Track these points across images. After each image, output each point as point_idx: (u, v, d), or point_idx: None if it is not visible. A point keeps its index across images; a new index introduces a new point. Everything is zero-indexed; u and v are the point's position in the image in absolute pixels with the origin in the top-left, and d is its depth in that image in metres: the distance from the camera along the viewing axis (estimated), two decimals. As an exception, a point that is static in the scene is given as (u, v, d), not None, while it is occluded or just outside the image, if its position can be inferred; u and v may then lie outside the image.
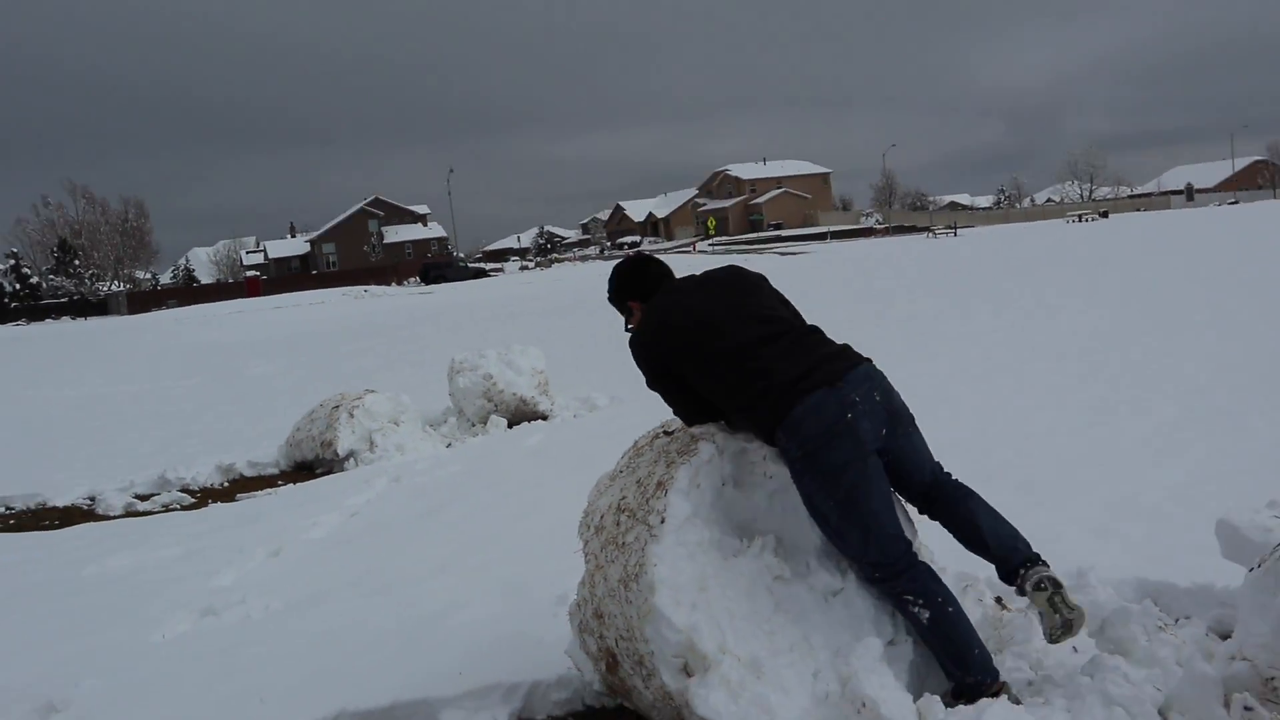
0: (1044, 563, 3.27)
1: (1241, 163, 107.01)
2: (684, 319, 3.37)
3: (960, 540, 3.41)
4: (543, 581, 4.74)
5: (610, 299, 3.72)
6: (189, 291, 74.83)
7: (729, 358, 3.24)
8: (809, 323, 3.49)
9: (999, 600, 3.77)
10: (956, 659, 3.10)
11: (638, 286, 3.61)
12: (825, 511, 3.15)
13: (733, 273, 3.60)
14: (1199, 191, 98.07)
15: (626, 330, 3.67)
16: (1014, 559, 3.29)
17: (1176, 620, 3.72)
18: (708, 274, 3.61)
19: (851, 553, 3.20)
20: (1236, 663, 2.91)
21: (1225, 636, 3.44)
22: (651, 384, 3.52)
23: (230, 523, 7.33)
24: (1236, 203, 74.64)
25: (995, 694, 2.99)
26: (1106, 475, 5.66)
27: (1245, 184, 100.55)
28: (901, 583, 3.13)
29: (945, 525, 3.43)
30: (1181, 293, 14.29)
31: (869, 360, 3.35)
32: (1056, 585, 3.17)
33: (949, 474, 3.50)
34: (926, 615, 3.10)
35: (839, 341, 3.45)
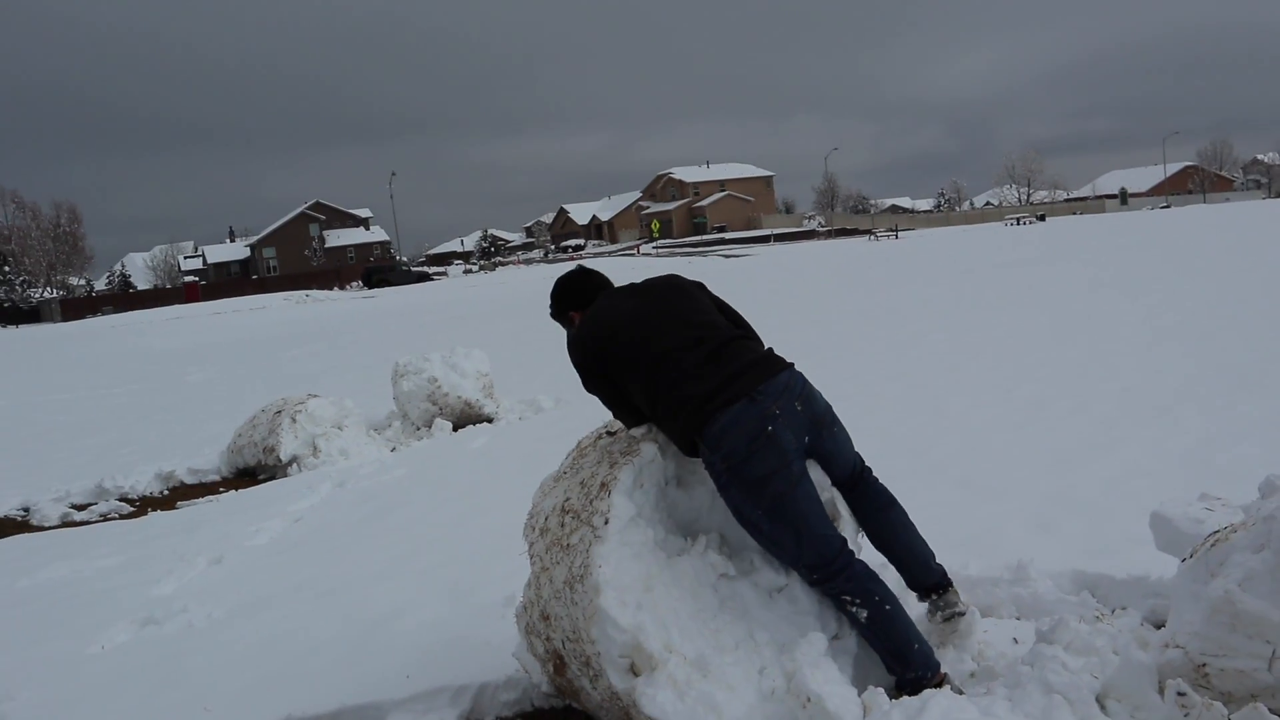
0: (954, 589, 3.50)
1: (1173, 168, 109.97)
2: (615, 323, 3.42)
3: (873, 542, 3.52)
4: (489, 584, 4.72)
5: (552, 313, 3.76)
6: (125, 298, 73.23)
7: (652, 364, 3.28)
8: (737, 329, 3.52)
9: (941, 594, 3.83)
10: (897, 655, 3.15)
11: (576, 297, 3.67)
12: (755, 520, 3.19)
13: (668, 280, 3.63)
14: (1132, 195, 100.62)
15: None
16: (929, 579, 3.48)
17: (1113, 610, 3.82)
18: (645, 281, 3.65)
19: (787, 557, 3.24)
20: (1170, 650, 3.00)
21: (1159, 626, 3.53)
22: (587, 386, 3.53)
23: (170, 531, 7.18)
24: (1169, 207, 76.64)
25: (937, 685, 3.05)
26: (1044, 470, 5.78)
27: (1177, 189, 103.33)
28: (839, 583, 3.17)
29: (861, 524, 3.52)
30: (1116, 294, 14.64)
31: (790, 366, 3.38)
32: (962, 615, 3.45)
33: (872, 474, 3.58)
34: (865, 614, 3.15)
35: (770, 344, 3.49)
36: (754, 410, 3.16)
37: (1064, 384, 8.24)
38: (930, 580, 3.47)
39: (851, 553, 3.24)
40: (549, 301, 3.75)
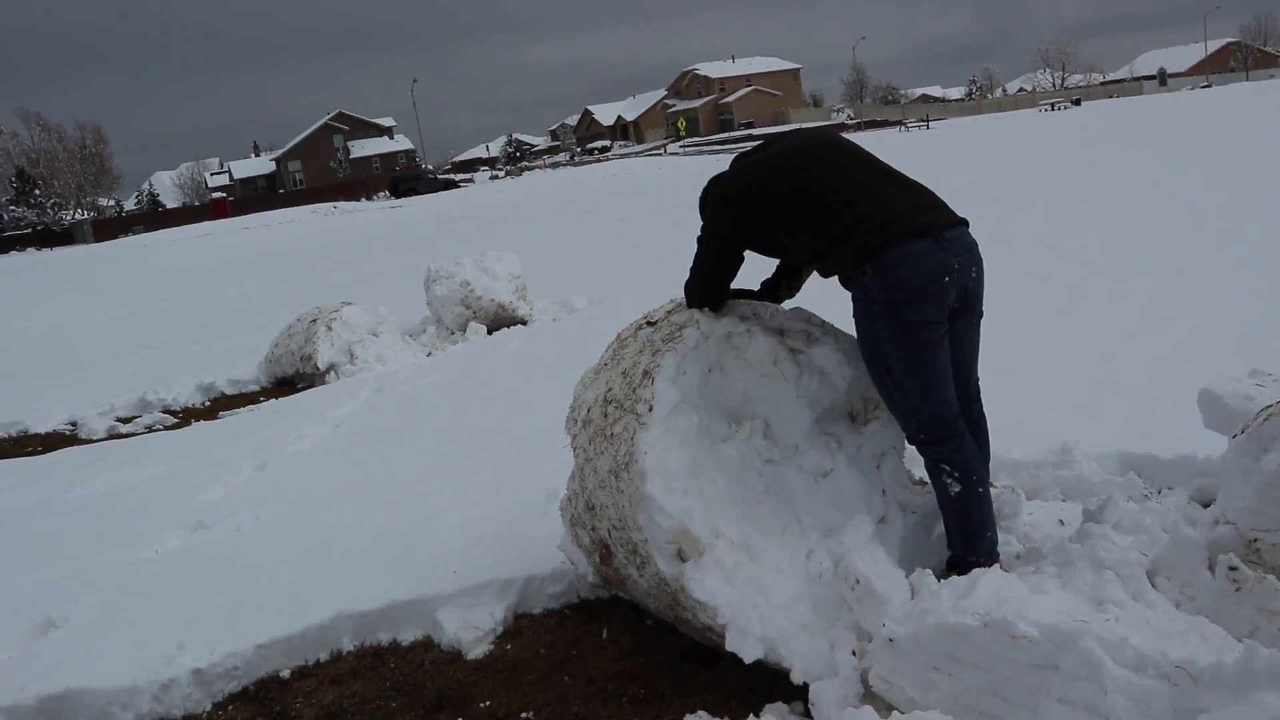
0: None
1: (1214, 45, 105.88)
2: (786, 148, 3.27)
3: None
4: (532, 480, 4.76)
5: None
6: (155, 216, 73.47)
7: (829, 182, 3.10)
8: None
9: (986, 478, 3.81)
10: (969, 537, 3.13)
11: None
12: (890, 360, 3.05)
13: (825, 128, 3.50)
14: (1172, 76, 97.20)
15: None
16: None
17: (1160, 491, 3.79)
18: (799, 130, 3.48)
19: (904, 407, 3.12)
20: (1220, 526, 2.96)
21: (1207, 504, 3.50)
22: (714, 228, 3.29)
23: (214, 440, 7.29)
24: (1209, 86, 74.13)
25: (990, 570, 3.04)
26: (1087, 356, 5.71)
27: (1218, 67, 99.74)
28: (945, 449, 3.09)
29: None
30: (1156, 178, 14.26)
31: (967, 224, 3.20)
32: None
33: (980, 396, 3.47)
34: (957, 489, 3.08)
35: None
36: (938, 254, 3.00)
37: (1105, 268, 8.09)
38: None
39: (963, 426, 3.16)
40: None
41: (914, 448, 3.24)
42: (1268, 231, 8.73)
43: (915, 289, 2.98)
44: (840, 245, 3.07)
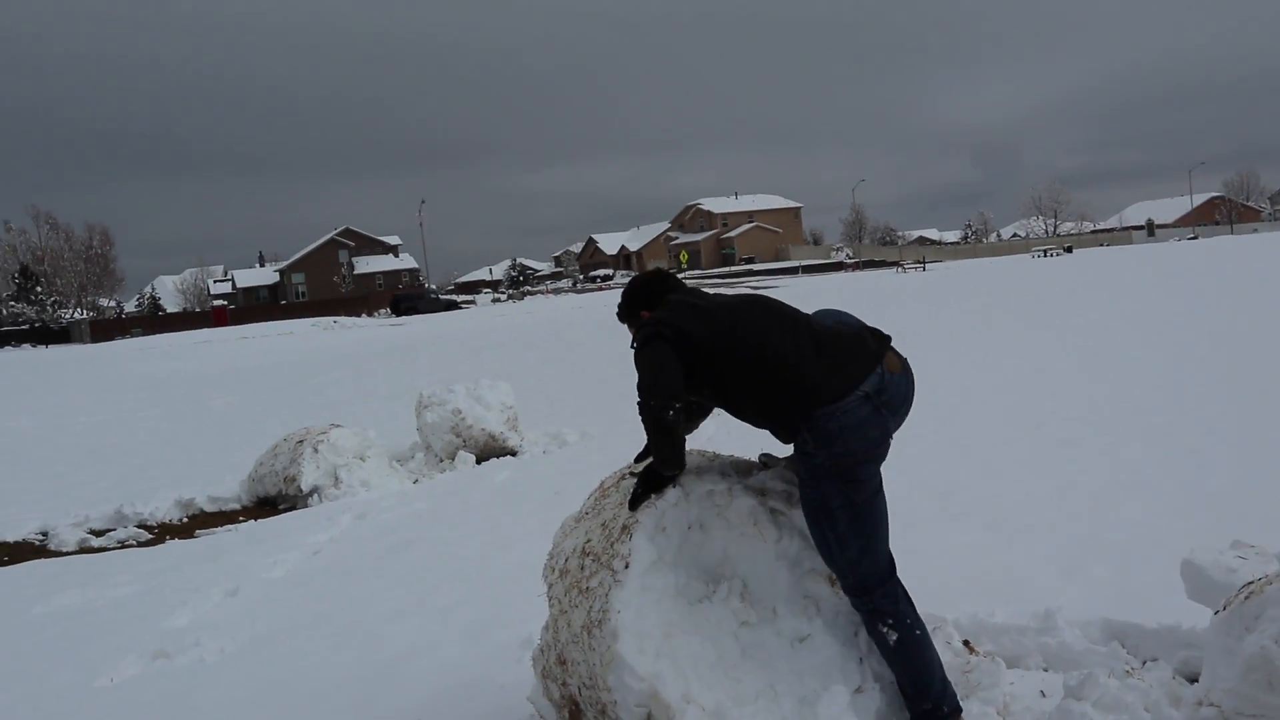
0: None
1: (1200, 199, 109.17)
2: (718, 311, 3.24)
3: None
4: (507, 624, 4.66)
5: (621, 313, 3.57)
6: (154, 320, 74.10)
7: (754, 346, 3.10)
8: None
9: (966, 643, 3.73)
10: (917, 684, 3.08)
11: (654, 297, 3.46)
12: (836, 514, 3.06)
13: (756, 294, 3.48)
14: (1159, 227, 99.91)
15: (632, 347, 3.33)
16: None
17: (1144, 663, 3.71)
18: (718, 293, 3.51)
19: (845, 561, 3.10)
20: (1204, 708, 2.90)
21: (1193, 679, 3.43)
22: (644, 339, 3.16)
23: (188, 560, 7.15)
24: (1196, 238, 76.10)
25: (954, 722, 2.98)
26: (1072, 514, 5.67)
27: (1203, 219, 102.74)
28: (878, 598, 3.09)
29: None
30: (1144, 331, 14.46)
31: (903, 361, 3.23)
32: None
33: None
34: (895, 637, 3.07)
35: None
36: (879, 421, 3.06)
37: (1092, 422, 8.12)
38: None
39: (897, 576, 3.17)
40: (620, 300, 3.56)
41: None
42: (1254, 386, 8.82)
43: (861, 454, 3.06)
44: (772, 406, 3.14)
